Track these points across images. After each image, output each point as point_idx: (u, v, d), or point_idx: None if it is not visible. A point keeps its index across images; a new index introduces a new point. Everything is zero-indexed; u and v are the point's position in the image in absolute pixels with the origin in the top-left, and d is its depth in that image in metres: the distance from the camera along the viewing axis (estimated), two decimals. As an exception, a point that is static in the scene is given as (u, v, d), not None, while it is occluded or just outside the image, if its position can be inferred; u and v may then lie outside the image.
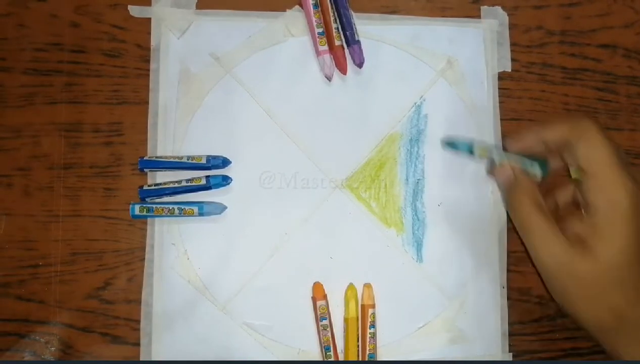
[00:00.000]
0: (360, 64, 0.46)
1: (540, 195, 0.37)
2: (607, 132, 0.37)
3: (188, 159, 0.44)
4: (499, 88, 0.48)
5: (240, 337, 0.44)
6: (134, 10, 0.46)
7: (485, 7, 0.49)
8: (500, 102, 0.48)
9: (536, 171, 0.39)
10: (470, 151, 0.42)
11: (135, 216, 0.44)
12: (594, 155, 0.36)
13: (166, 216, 0.43)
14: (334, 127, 0.46)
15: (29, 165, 0.45)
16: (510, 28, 0.49)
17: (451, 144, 0.44)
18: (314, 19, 0.45)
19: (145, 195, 0.44)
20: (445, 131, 0.47)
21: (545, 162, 0.39)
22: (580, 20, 0.50)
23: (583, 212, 0.37)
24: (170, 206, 0.43)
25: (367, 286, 0.45)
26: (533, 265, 0.38)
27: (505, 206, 0.42)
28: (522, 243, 0.38)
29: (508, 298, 0.46)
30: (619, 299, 0.34)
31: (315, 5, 0.45)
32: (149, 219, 0.44)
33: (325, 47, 0.45)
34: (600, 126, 0.37)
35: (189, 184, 0.44)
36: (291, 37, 0.47)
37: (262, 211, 0.45)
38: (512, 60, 0.49)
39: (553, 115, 0.47)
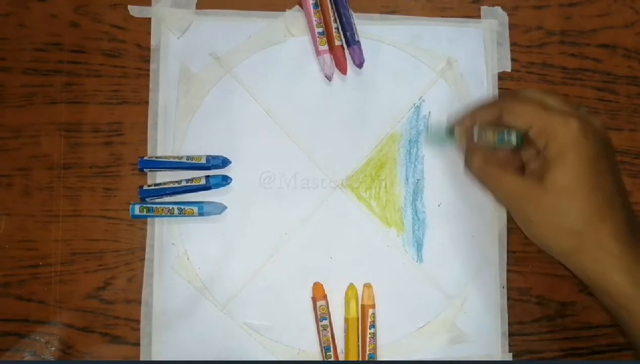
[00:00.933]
0: (360, 64, 0.46)
1: (488, 152, 0.41)
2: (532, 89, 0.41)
3: (188, 159, 0.44)
4: (499, 88, 0.48)
5: (241, 337, 0.44)
6: (134, 10, 0.46)
7: (485, 7, 0.49)
8: (500, 102, 0.48)
9: (512, 139, 0.40)
10: (451, 133, 0.43)
11: (135, 216, 0.44)
12: (526, 119, 0.39)
13: (166, 216, 0.43)
14: (334, 127, 0.46)
15: (28, 165, 0.44)
16: (510, 28, 0.49)
17: (435, 137, 0.46)
18: (314, 19, 0.45)
19: (145, 195, 0.44)
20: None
21: (521, 134, 0.40)
22: (580, 20, 0.50)
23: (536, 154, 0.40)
24: (170, 206, 0.43)
25: (367, 286, 0.45)
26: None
27: (469, 175, 0.43)
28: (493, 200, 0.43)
29: (508, 298, 0.46)
30: (577, 222, 0.37)
31: (315, 5, 0.45)
32: (148, 219, 0.44)
33: (326, 47, 0.45)
34: (517, 99, 0.40)
35: (189, 184, 0.44)
36: (291, 37, 0.47)
37: (262, 211, 0.45)
38: (512, 60, 0.49)
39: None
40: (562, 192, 0.37)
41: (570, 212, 0.37)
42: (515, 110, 0.39)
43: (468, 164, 0.42)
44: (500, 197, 0.41)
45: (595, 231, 0.37)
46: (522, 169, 0.42)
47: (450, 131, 0.43)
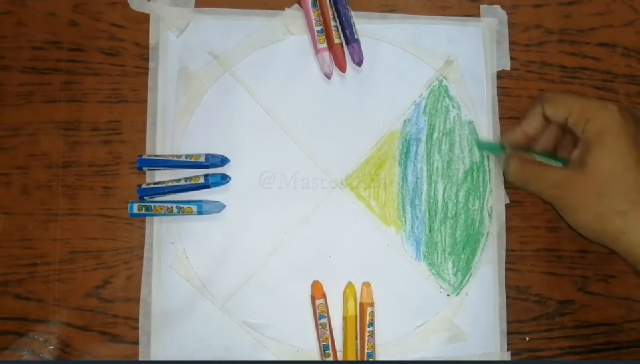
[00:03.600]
0: (359, 63, 0.46)
1: (524, 154, 0.42)
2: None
3: (187, 158, 0.44)
4: (498, 87, 0.48)
5: (239, 336, 0.44)
6: (134, 3, 0.46)
7: (485, 5, 0.49)
8: (499, 101, 0.48)
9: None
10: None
11: (134, 215, 0.44)
12: (566, 105, 0.39)
13: (165, 214, 0.43)
14: (334, 126, 0.46)
15: (27, 164, 0.44)
16: (509, 27, 0.49)
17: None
18: (312, 17, 0.45)
19: (144, 194, 0.44)
20: (445, 131, 0.47)
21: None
22: (579, 19, 0.50)
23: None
24: (169, 205, 0.43)
25: (366, 284, 0.45)
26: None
27: (511, 180, 0.44)
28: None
29: (507, 297, 0.47)
30: (622, 202, 0.36)
31: (314, 4, 0.45)
32: (147, 218, 0.44)
33: (325, 45, 0.45)
34: (556, 92, 0.42)
35: (188, 182, 0.43)
36: (290, 36, 0.47)
37: (262, 210, 0.45)
38: (511, 59, 0.49)
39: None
40: (604, 174, 0.36)
41: (614, 193, 0.36)
42: (554, 99, 0.40)
43: (506, 166, 0.43)
44: (542, 189, 0.40)
45: None
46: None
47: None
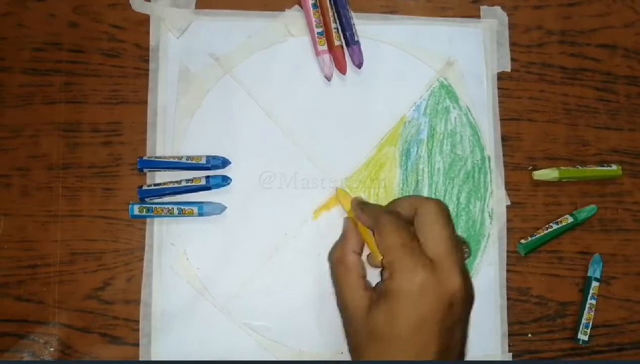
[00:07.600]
0: (359, 64, 0.46)
1: (355, 249, 0.40)
2: (401, 221, 0.38)
3: (187, 159, 0.44)
4: (499, 88, 0.48)
5: (240, 338, 0.44)
6: (135, 3, 0.46)
7: (485, 7, 0.49)
8: (499, 102, 0.48)
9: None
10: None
11: (134, 216, 0.44)
12: (387, 242, 0.37)
13: (166, 216, 0.43)
14: (334, 127, 0.46)
15: (27, 165, 0.44)
16: (509, 28, 0.49)
17: None
18: (313, 19, 0.45)
19: (144, 195, 0.44)
20: (446, 132, 0.47)
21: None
22: (579, 20, 0.50)
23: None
24: (170, 206, 0.43)
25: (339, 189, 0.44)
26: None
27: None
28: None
29: (508, 298, 0.46)
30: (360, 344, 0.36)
31: (315, 5, 0.45)
32: (148, 219, 0.44)
33: (325, 47, 0.45)
34: (394, 216, 0.38)
35: (189, 184, 0.43)
36: (290, 37, 0.47)
37: (262, 211, 0.45)
38: (512, 60, 0.49)
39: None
40: (386, 335, 0.35)
41: (396, 355, 0.35)
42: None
43: (331, 251, 0.41)
44: (337, 301, 0.39)
45: None
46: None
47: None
